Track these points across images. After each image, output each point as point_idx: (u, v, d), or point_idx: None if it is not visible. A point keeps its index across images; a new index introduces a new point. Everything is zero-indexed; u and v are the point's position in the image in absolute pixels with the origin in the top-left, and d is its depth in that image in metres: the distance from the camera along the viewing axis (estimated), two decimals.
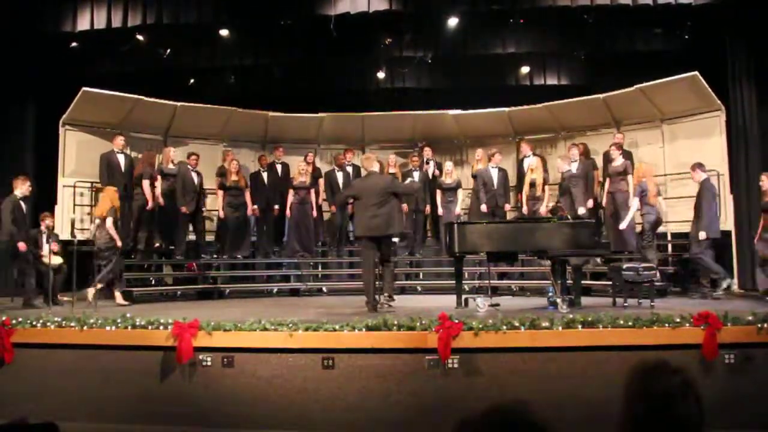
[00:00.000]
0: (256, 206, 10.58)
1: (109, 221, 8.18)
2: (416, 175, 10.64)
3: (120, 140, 9.79)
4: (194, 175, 10.04)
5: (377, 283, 7.40)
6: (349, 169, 11.00)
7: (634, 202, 8.49)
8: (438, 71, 11.90)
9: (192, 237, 10.19)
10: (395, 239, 8.11)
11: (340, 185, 10.82)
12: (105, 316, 6.17)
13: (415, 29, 10.91)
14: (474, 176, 10.72)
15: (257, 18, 10.39)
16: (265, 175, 10.77)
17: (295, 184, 10.47)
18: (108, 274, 8.15)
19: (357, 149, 11.65)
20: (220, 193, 10.23)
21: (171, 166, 9.92)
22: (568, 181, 9.71)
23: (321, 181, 10.97)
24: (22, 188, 8.14)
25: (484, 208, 10.24)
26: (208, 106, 10.92)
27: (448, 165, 10.69)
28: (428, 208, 10.76)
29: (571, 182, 9.66)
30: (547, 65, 11.82)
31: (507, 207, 10.29)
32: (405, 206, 10.09)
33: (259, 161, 10.99)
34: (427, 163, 10.98)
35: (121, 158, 9.74)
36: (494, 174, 10.31)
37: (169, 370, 5.71)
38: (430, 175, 10.85)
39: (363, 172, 8.35)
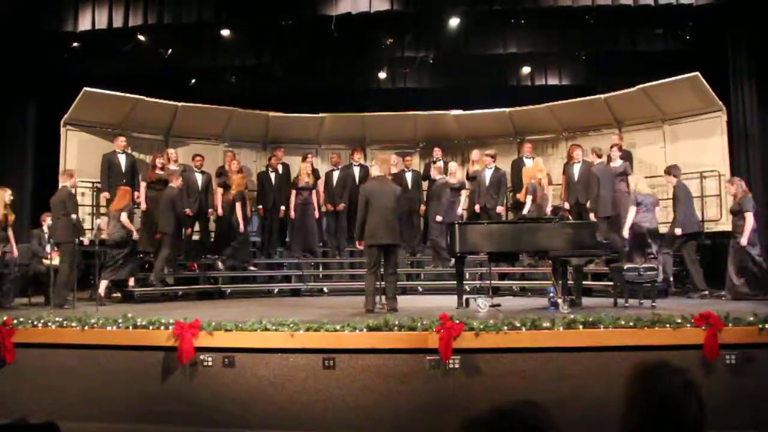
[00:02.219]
0: (261, 206, 10.61)
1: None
2: (409, 176, 10.68)
3: (121, 140, 9.80)
4: (198, 176, 10.07)
5: (379, 284, 7.38)
6: (356, 169, 11.00)
7: (528, 200, 9.42)
8: (439, 71, 11.91)
9: (196, 237, 10.21)
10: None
11: (334, 184, 10.89)
12: (106, 315, 6.18)
13: (417, 29, 10.93)
14: (470, 178, 10.71)
15: (258, 18, 10.41)
16: (272, 175, 10.78)
17: (300, 185, 10.47)
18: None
19: (361, 150, 11.61)
20: (220, 191, 10.24)
21: (173, 166, 9.92)
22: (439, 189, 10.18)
23: (320, 182, 10.99)
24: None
25: (476, 208, 10.29)
26: (209, 106, 10.92)
27: (452, 165, 10.69)
28: (422, 207, 10.77)
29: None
30: (548, 65, 11.84)
31: (499, 209, 10.27)
32: (422, 207, 10.60)
33: (269, 161, 10.99)
34: (435, 162, 10.98)
35: (122, 158, 9.75)
36: (487, 175, 10.34)
37: (170, 370, 5.71)
38: (439, 176, 10.84)
39: (372, 172, 8.19)
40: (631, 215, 8.35)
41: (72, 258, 7.93)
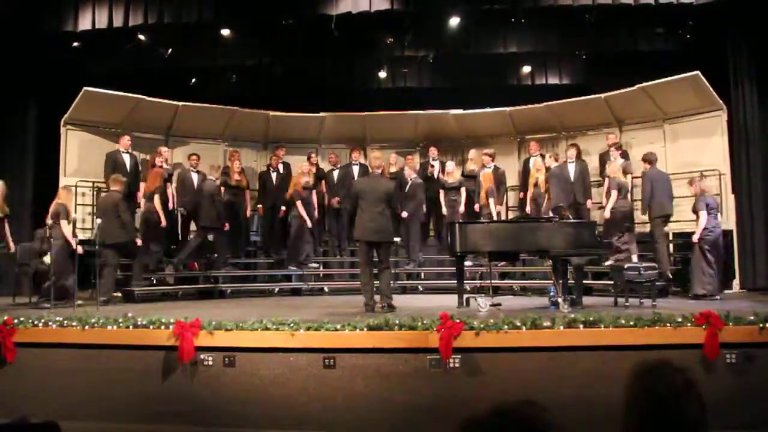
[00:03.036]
0: (261, 205, 10.62)
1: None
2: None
3: (126, 140, 9.81)
4: (194, 176, 10.07)
5: (375, 283, 7.38)
6: (356, 168, 11.00)
7: (491, 203, 10.00)
8: (439, 71, 11.91)
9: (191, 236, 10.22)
10: (396, 239, 8.07)
11: (335, 183, 10.87)
12: (107, 315, 6.19)
13: (417, 29, 10.92)
14: (466, 176, 10.72)
15: (259, 18, 10.40)
16: (274, 175, 10.80)
17: (302, 184, 10.47)
18: None
19: (360, 149, 11.62)
20: (221, 190, 10.26)
21: (166, 166, 9.92)
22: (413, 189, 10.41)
23: (323, 182, 11.00)
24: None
25: (475, 207, 10.31)
26: (210, 105, 10.93)
27: (449, 164, 10.70)
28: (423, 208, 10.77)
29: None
30: (548, 65, 11.83)
31: (498, 208, 10.31)
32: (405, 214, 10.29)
33: (270, 161, 11.01)
34: (432, 165, 10.97)
35: (126, 158, 9.76)
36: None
37: (170, 370, 5.71)
38: (435, 175, 10.85)
39: (371, 171, 8.26)
40: (612, 199, 8.72)
41: (116, 260, 8.46)
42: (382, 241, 7.23)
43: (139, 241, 8.81)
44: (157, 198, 9.19)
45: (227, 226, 9.84)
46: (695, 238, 8.03)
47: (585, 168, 10.01)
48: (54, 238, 7.90)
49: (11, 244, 8.23)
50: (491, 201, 10.04)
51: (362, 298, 7.33)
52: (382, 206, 7.20)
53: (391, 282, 7.65)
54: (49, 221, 8.04)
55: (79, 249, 7.74)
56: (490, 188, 10.10)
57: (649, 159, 8.84)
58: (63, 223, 7.95)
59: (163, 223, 9.27)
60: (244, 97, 11.74)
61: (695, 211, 8.18)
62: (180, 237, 10.19)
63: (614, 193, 8.74)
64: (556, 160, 10.01)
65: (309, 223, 10.00)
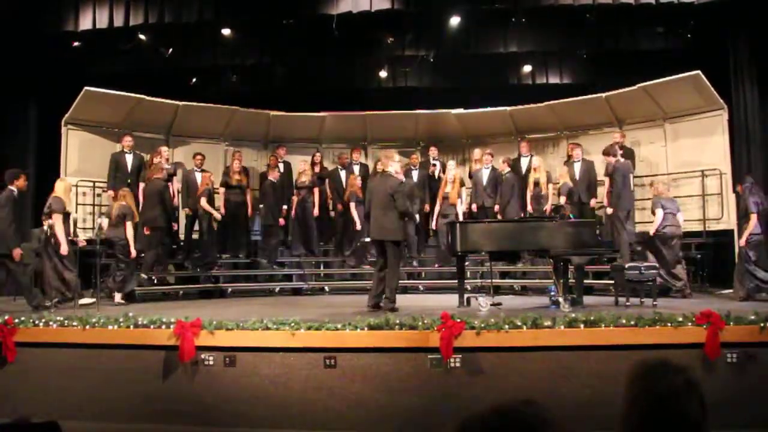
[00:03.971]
0: (262, 206, 10.63)
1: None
2: (415, 174, 10.65)
3: (128, 140, 9.81)
4: (198, 175, 10.07)
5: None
6: (356, 168, 10.99)
7: (458, 204, 10.14)
8: (440, 70, 11.90)
9: (195, 237, 10.21)
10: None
11: (343, 184, 10.84)
12: (107, 315, 6.19)
13: (417, 28, 10.93)
14: (470, 176, 10.73)
15: (259, 18, 10.41)
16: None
17: (298, 184, 10.50)
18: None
19: (361, 149, 11.61)
20: (222, 191, 10.28)
21: (166, 165, 9.92)
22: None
23: (327, 181, 10.97)
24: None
25: (474, 207, 10.31)
26: (210, 105, 10.91)
27: (450, 164, 10.68)
28: (427, 206, 10.75)
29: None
30: (549, 64, 11.82)
31: (496, 208, 10.31)
32: (427, 206, 10.50)
33: (269, 161, 11.01)
34: (434, 165, 10.96)
35: (128, 158, 9.76)
36: (485, 174, 10.37)
37: (171, 370, 5.72)
38: (436, 175, 10.83)
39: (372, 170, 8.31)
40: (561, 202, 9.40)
41: (159, 242, 9.06)
42: (385, 239, 7.25)
43: (175, 226, 9.40)
44: (204, 200, 9.64)
45: (282, 222, 10.47)
46: (651, 231, 8.35)
47: (591, 167, 9.97)
48: (119, 237, 8.20)
49: (64, 244, 7.72)
50: (458, 202, 10.14)
51: (363, 298, 7.35)
52: (386, 205, 7.24)
53: (398, 284, 7.66)
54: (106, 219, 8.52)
55: (133, 252, 8.28)
56: (460, 188, 10.23)
57: (614, 153, 8.82)
58: (129, 225, 8.22)
59: (218, 218, 9.73)
60: (245, 96, 11.73)
61: (653, 211, 8.50)
62: (183, 237, 10.16)
63: (563, 200, 9.16)
64: (509, 164, 10.14)
65: (358, 225, 10.15)
